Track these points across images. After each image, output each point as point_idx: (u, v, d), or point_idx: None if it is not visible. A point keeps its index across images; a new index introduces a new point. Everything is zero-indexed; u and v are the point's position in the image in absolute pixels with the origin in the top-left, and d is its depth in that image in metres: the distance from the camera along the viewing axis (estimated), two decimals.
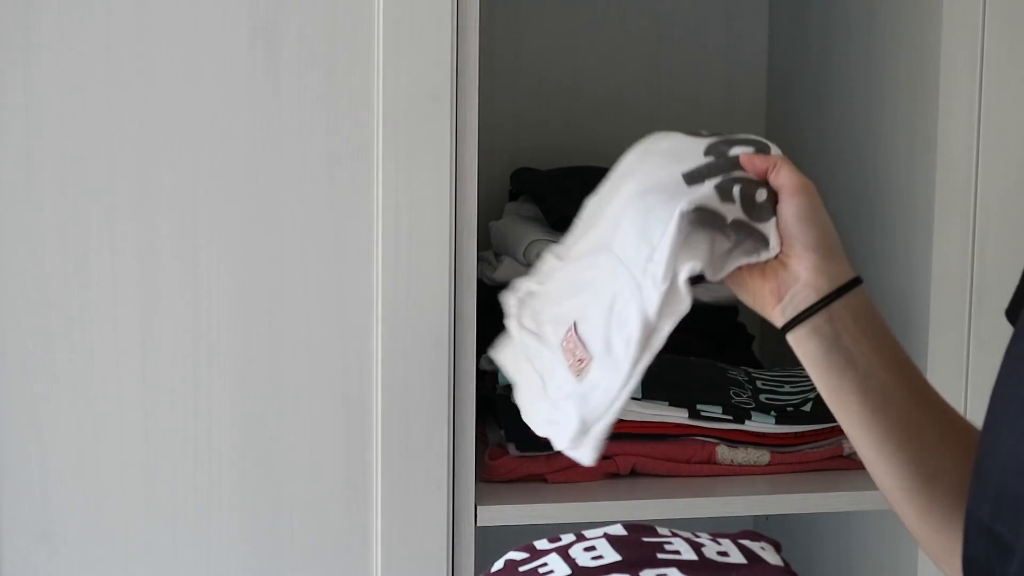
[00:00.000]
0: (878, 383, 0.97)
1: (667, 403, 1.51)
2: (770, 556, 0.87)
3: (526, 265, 1.64)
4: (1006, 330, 0.94)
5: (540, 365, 1.04)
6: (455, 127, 1.38)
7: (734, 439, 1.53)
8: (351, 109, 1.36)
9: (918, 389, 1.00)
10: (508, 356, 1.10)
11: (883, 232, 1.60)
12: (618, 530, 0.87)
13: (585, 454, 0.98)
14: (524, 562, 0.87)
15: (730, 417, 1.51)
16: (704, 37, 1.92)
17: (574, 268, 1.06)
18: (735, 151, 1.04)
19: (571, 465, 1.50)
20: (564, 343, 1.01)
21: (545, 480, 1.50)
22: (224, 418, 1.39)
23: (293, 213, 1.37)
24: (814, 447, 1.54)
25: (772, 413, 1.52)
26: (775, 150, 1.05)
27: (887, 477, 0.99)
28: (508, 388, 1.51)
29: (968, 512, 0.91)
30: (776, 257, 1.00)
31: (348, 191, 1.37)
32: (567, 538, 0.87)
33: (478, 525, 1.44)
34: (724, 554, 0.85)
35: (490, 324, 1.55)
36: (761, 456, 1.53)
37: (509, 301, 1.11)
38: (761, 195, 1.01)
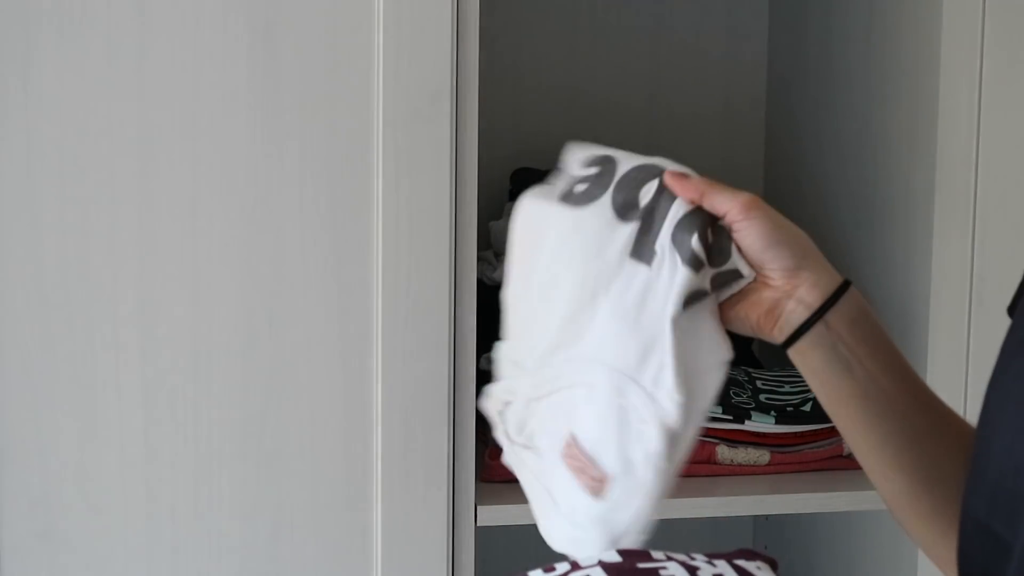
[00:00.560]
0: (877, 388, 0.96)
1: None
2: None
3: None
4: (1006, 330, 0.94)
5: (544, 480, 0.99)
6: (455, 127, 1.38)
7: (734, 439, 1.53)
8: (351, 109, 1.36)
9: (917, 393, 0.99)
10: (511, 460, 1.04)
11: (883, 232, 1.60)
12: (613, 556, 0.87)
13: (611, 554, 0.95)
14: None
15: (730, 417, 1.52)
16: (704, 38, 1.92)
17: (547, 377, 0.99)
18: (646, 194, 0.98)
19: None
20: (567, 459, 0.96)
21: None
22: (224, 418, 1.39)
23: (293, 213, 1.37)
24: (814, 447, 1.54)
25: (772, 413, 1.52)
26: (675, 166, 1.00)
27: (888, 483, 0.99)
28: None
29: (964, 510, 0.91)
30: (757, 280, 0.97)
31: (348, 191, 1.37)
32: (561, 567, 0.86)
33: (478, 525, 1.44)
34: None
35: (490, 324, 1.55)
36: (761, 456, 1.53)
37: (490, 412, 1.04)
38: (713, 237, 0.96)
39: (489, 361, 1.56)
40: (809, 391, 1.54)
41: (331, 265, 1.38)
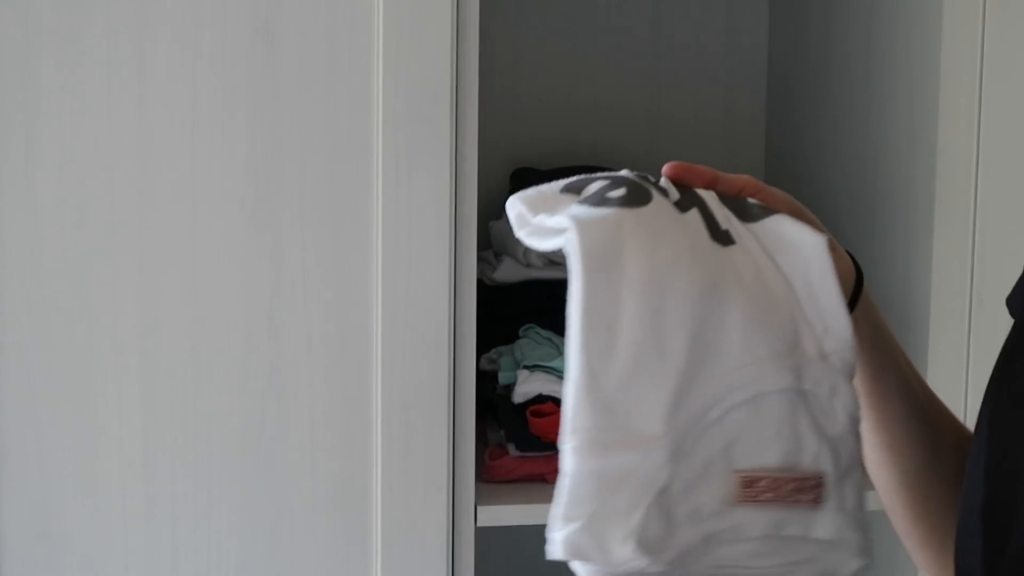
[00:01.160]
0: (894, 379, 0.97)
1: None
2: None
3: (526, 265, 1.64)
4: (1005, 330, 0.94)
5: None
6: (455, 127, 1.38)
7: None
8: (351, 109, 1.36)
9: (921, 390, 1.00)
10: None
11: (883, 232, 1.60)
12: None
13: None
14: None
15: None
16: (704, 38, 1.92)
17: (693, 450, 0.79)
18: (667, 187, 0.89)
19: None
20: (761, 500, 0.77)
21: (545, 480, 1.50)
22: (224, 418, 1.39)
23: (293, 213, 1.37)
24: None
25: None
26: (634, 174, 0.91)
27: (882, 473, 0.99)
28: (508, 388, 1.52)
29: (960, 508, 0.91)
30: None
31: (348, 191, 1.37)
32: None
33: (478, 525, 1.44)
34: None
35: (490, 324, 1.56)
36: None
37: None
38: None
39: (490, 361, 1.57)
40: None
41: (331, 265, 1.38)
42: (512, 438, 1.49)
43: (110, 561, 1.39)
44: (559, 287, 1.78)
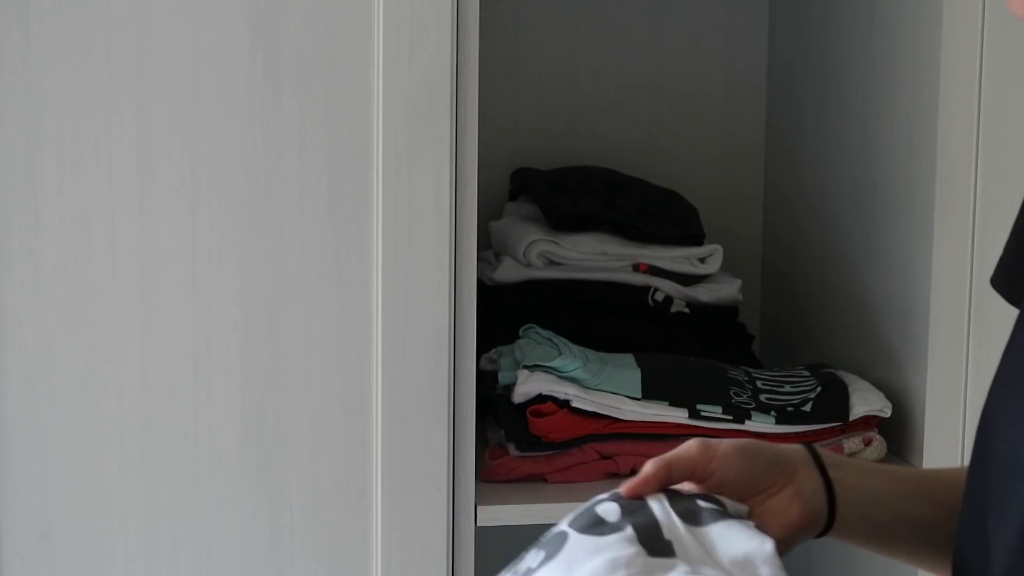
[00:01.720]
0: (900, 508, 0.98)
1: (667, 403, 1.50)
2: None
3: (526, 265, 1.64)
4: (1006, 330, 0.93)
5: None
6: (455, 127, 1.38)
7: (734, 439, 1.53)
8: (351, 109, 1.36)
9: (921, 494, 1.00)
10: None
11: (883, 232, 1.60)
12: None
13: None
14: None
15: (730, 417, 1.51)
16: (704, 37, 1.92)
17: None
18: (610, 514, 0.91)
19: (571, 465, 1.50)
20: None
21: (545, 480, 1.50)
22: (224, 418, 1.39)
23: (293, 213, 1.37)
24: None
25: (772, 413, 1.52)
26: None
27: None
28: (508, 388, 1.51)
29: (962, 509, 0.91)
30: (761, 496, 0.96)
31: (348, 191, 1.37)
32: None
33: (478, 525, 1.44)
34: None
35: (490, 324, 1.56)
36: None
37: None
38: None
39: (490, 361, 1.57)
40: (809, 391, 1.54)
41: (331, 265, 1.38)
42: (512, 438, 1.49)
43: (110, 561, 1.39)
44: (559, 287, 1.79)
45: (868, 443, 1.54)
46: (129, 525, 1.39)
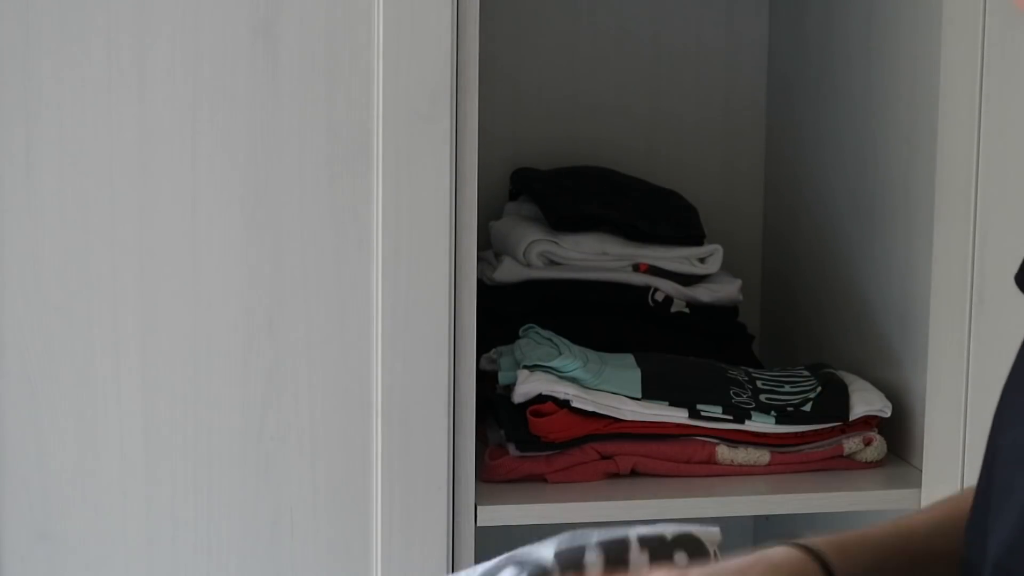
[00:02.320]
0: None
1: (667, 403, 1.50)
2: None
3: (526, 265, 1.64)
4: (1006, 330, 0.94)
5: None
6: (455, 127, 1.38)
7: (734, 439, 1.53)
8: (351, 109, 1.36)
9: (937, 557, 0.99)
10: None
11: (883, 232, 1.60)
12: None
13: None
14: None
15: (730, 417, 1.51)
16: (704, 38, 1.92)
17: None
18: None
19: (571, 465, 1.50)
20: None
21: (545, 480, 1.50)
22: (224, 418, 1.39)
23: (293, 213, 1.37)
24: (814, 447, 1.54)
25: (772, 413, 1.52)
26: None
27: None
28: (508, 388, 1.52)
29: (971, 508, 0.91)
30: None
31: (348, 191, 1.37)
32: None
33: (478, 525, 1.44)
34: None
35: (490, 324, 1.56)
36: (761, 456, 1.53)
37: None
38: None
39: (490, 361, 1.57)
40: (810, 391, 1.54)
41: (331, 265, 1.38)
42: (512, 438, 1.49)
43: (110, 561, 1.39)
44: (559, 287, 1.79)
45: (868, 443, 1.54)
46: (129, 525, 1.39)
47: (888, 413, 1.54)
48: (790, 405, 1.54)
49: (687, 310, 1.65)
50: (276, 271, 1.38)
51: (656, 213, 1.69)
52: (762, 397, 1.54)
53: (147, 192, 1.35)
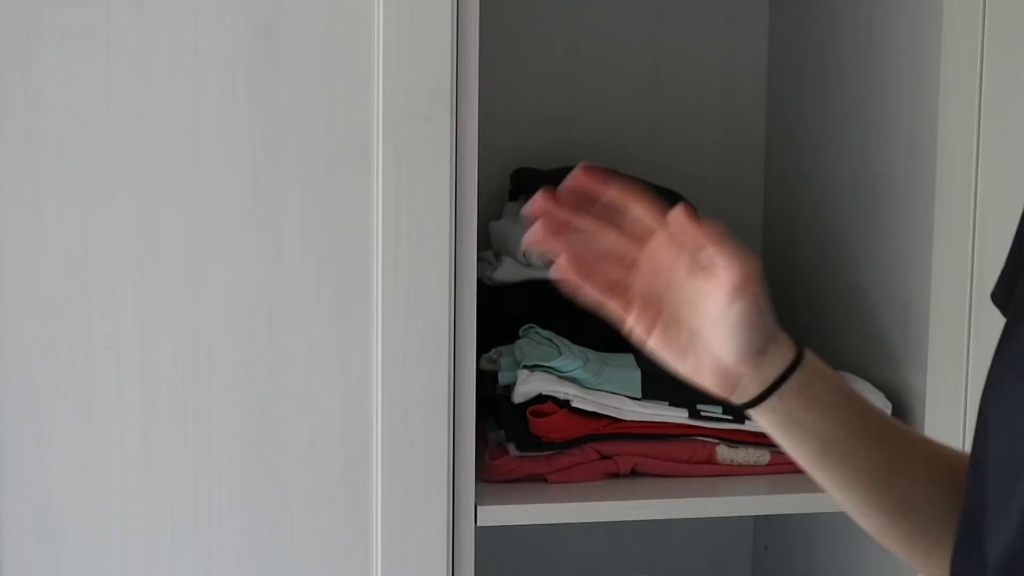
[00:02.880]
0: (834, 440, 0.98)
1: (667, 403, 1.51)
2: None
3: (526, 265, 1.64)
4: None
5: None
6: (455, 127, 1.38)
7: (734, 439, 1.53)
8: (351, 109, 1.36)
9: (880, 432, 1.01)
10: None
11: (883, 232, 1.60)
12: None
13: None
14: None
15: (730, 417, 1.52)
16: (704, 37, 1.92)
17: None
18: None
19: (571, 465, 1.50)
20: None
21: (545, 480, 1.50)
22: (224, 418, 1.39)
23: (293, 213, 1.37)
24: None
25: None
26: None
27: (863, 518, 1.01)
28: (508, 388, 1.52)
29: (962, 512, 0.91)
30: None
31: (348, 191, 1.37)
32: None
33: (478, 525, 1.44)
34: None
35: (490, 324, 1.56)
36: (761, 456, 1.53)
37: None
38: None
39: (490, 361, 1.57)
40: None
41: (331, 265, 1.38)
42: (512, 438, 1.49)
43: (110, 561, 1.39)
44: (559, 287, 1.78)
45: None
46: (129, 525, 1.39)
47: (888, 413, 1.54)
48: None
49: None
50: (276, 271, 1.38)
51: None
52: None
53: (147, 192, 1.35)
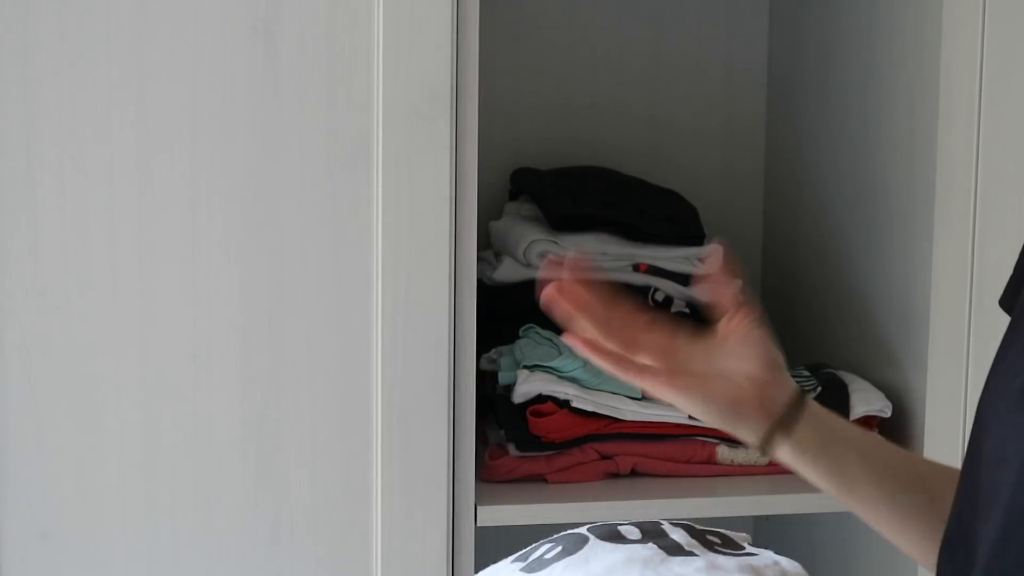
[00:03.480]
0: (851, 460, 1.03)
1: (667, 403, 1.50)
2: None
3: (526, 265, 1.64)
4: (1005, 329, 0.94)
5: None
6: (455, 127, 1.38)
7: (734, 439, 1.53)
8: (351, 109, 1.36)
9: (881, 470, 1.05)
10: None
11: (883, 232, 1.60)
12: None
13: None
14: None
15: None
16: (704, 40, 1.92)
17: None
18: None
19: (571, 465, 1.50)
20: None
21: (545, 480, 1.50)
22: (224, 418, 1.39)
23: (293, 213, 1.37)
24: None
25: None
26: None
27: (882, 530, 1.08)
28: (508, 388, 1.51)
29: (952, 511, 0.91)
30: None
31: (348, 191, 1.37)
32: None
33: (478, 525, 1.44)
34: None
35: (490, 324, 1.56)
36: (761, 456, 1.53)
37: None
38: None
39: (490, 361, 1.57)
40: (810, 391, 1.54)
41: (331, 265, 1.38)
42: (512, 438, 1.49)
43: (110, 561, 1.39)
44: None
45: None
46: (129, 525, 1.39)
47: (888, 413, 1.54)
48: None
49: (687, 310, 1.65)
50: (276, 271, 1.38)
51: (656, 213, 1.69)
52: None
53: (147, 192, 1.35)
